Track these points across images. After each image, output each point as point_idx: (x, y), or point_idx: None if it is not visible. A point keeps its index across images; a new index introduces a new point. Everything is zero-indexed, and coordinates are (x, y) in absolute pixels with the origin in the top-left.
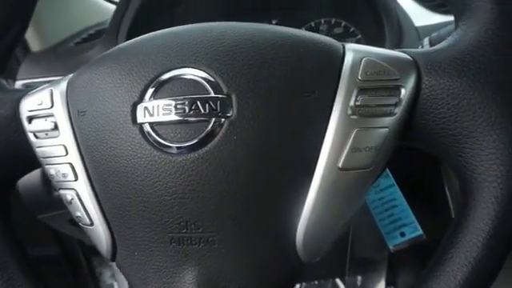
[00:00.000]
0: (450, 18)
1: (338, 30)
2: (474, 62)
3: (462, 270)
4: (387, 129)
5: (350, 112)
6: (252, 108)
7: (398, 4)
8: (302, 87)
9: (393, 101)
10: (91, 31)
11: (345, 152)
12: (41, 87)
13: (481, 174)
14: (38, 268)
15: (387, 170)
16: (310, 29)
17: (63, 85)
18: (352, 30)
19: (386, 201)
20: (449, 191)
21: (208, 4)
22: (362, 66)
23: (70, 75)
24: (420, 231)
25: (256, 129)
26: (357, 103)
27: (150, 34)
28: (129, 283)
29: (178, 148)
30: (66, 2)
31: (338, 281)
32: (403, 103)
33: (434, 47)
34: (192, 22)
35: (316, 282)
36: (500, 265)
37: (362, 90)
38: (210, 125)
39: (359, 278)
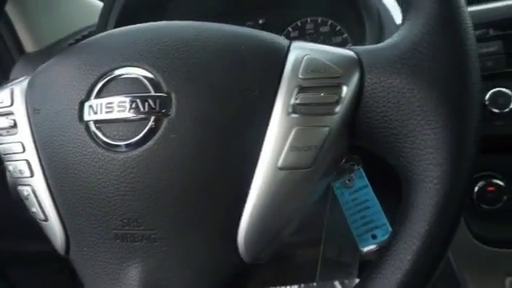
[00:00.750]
0: None
1: (324, 29)
2: (413, 60)
3: (397, 272)
4: (328, 128)
5: (290, 110)
6: (191, 107)
7: (380, 2)
8: (243, 86)
9: (333, 99)
10: (85, 32)
11: (284, 151)
12: (4, 86)
13: (419, 175)
14: (36, 264)
15: (361, 170)
16: (297, 28)
17: (24, 83)
18: (338, 28)
19: (359, 202)
20: None
21: (196, 3)
22: (303, 64)
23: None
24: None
25: (195, 128)
26: (297, 102)
27: (102, 33)
28: (80, 278)
29: (119, 146)
30: (60, 3)
31: (337, 283)
32: (345, 102)
33: (379, 44)
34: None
35: (315, 284)
36: (435, 267)
37: (302, 89)
38: (150, 123)
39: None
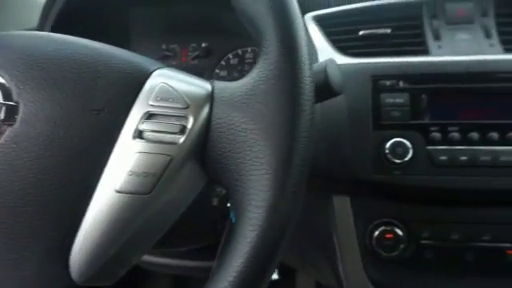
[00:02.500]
0: None
1: None
2: (252, 102)
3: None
4: (170, 157)
5: (135, 135)
6: (36, 120)
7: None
8: (92, 105)
9: (177, 129)
10: None
11: (123, 175)
12: None
13: (242, 216)
14: None
15: None
16: (237, 55)
17: None
18: None
19: None
20: (333, 225)
21: (142, 20)
22: (155, 92)
23: None
24: (275, 272)
25: (36, 141)
26: (142, 127)
27: None
28: None
29: None
30: (10, 3)
31: None
32: (191, 133)
33: (236, 81)
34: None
35: None
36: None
37: (150, 115)
38: None
39: None
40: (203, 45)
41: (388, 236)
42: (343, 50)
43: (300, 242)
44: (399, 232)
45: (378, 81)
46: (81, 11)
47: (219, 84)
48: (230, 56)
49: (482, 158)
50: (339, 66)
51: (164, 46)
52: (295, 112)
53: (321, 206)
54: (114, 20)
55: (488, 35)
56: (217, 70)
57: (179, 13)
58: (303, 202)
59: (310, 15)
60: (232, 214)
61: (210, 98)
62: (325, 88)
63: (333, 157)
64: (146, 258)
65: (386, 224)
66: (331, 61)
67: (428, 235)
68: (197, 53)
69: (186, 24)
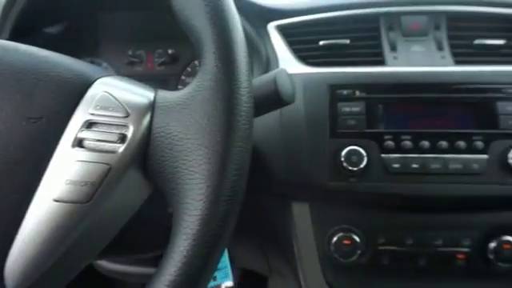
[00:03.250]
0: None
1: None
2: (191, 112)
3: None
4: (109, 166)
5: (74, 144)
6: None
7: (270, 44)
8: (30, 113)
9: (116, 138)
10: None
11: (61, 184)
12: None
13: (179, 222)
14: None
15: None
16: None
17: None
18: None
19: None
20: (292, 232)
21: (108, 26)
22: (95, 100)
23: None
24: (230, 279)
25: None
26: (81, 136)
27: None
28: None
29: None
30: None
31: None
32: (131, 142)
33: (177, 91)
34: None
35: None
36: None
37: (90, 124)
38: None
39: None
40: (169, 51)
41: (346, 242)
42: (304, 59)
43: (264, 249)
44: (356, 238)
45: (335, 90)
46: (47, 13)
47: (161, 93)
48: (196, 63)
49: (433, 166)
50: (298, 75)
51: (130, 52)
52: (229, 122)
53: (281, 213)
54: (82, 24)
55: (440, 47)
56: (183, 77)
57: (146, 19)
58: (265, 209)
59: (273, 24)
60: None
61: (152, 107)
62: (275, 97)
63: (291, 164)
64: (111, 266)
65: (343, 230)
66: (281, 70)
67: (384, 241)
68: (163, 59)
69: (152, 30)
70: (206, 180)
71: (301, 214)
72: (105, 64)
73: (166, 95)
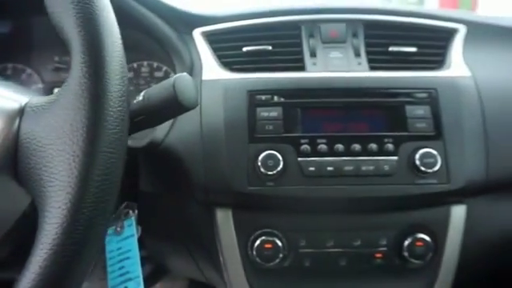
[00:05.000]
0: None
1: (158, 74)
2: (53, 116)
3: None
4: None
5: None
6: None
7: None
8: None
9: None
10: None
11: None
12: None
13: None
14: None
15: (133, 218)
16: (132, 69)
17: None
18: (172, 74)
19: (122, 251)
20: (216, 237)
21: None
22: None
23: None
24: None
25: None
26: None
27: None
28: None
29: None
30: None
31: None
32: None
33: (49, 96)
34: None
35: None
36: None
37: None
38: None
39: None
40: None
41: (267, 246)
42: (228, 65)
43: (193, 256)
44: (278, 242)
45: (254, 95)
46: None
47: (34, 98)
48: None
49: (346, 168)
50: (219, 81)
51: (57, 58)
52: (93, 128)
53: (206, 219)
54: (17, 25)
55: (357, 54)
56: None
57: None
58: (191, 216)
59: (198, 31)
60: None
61: (21, 112)
62: (174, 103)
63: (210, 169)
64: None
65: (266, 235)
66: (181, 76)
67: (305, 244)
68: None
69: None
70: (65, 187)
71: (224, 220)
72: (29, 70)
73: (36, 100)
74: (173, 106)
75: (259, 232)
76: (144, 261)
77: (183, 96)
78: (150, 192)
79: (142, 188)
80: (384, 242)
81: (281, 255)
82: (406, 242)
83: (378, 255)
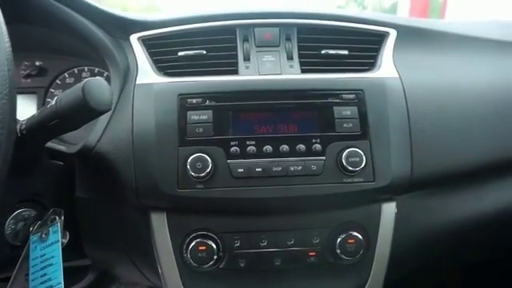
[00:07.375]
0: None
1: None
2: None
3: None
4: None
5: None
6: None
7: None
8: None
9: None
10: None
11: None
12: None
13: None
14: None
15: (58, 224)
16: (73, 75)
17: None
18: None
19: (45, 258)
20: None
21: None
22: None
23: None
24: None
25: None
26: None
27: None
28: None
29: None
30: None
31: None
32: None
33: None
34: None
35: None
36: None
37: None
38: None
39: None
40: (37, 63)
41: (201, 248)
42: (163, 69)
43: (134, 261)
44: (212, 244)
45: (185, 99)
46: None
47: None
48: (66, 75)
49: (275, 169)
50: (151, 85)
51: None
52: None
53: (142, 223)
54: None
55: (290, 57)
56: (52, 89)
57: (12, 32)
58: (128, 221)
59: (135, 36)
60: (30, 240)
61: None
62: (85, 107)
63: (141, 173)
64: None
65: (200, 237)
66: (91, 79)
67: (239, 245)
68: (28, 71)
69: (19, 42)
70: None
71: (159, 224)
72: None
73: None
74: (84, 110)
75: (194, 235)
76: (86, 269)
77: (93, 99)
78: (87, 198)
79: (77, 194)
80: (317, 241)
81: (215, 257)
82: (339, 240)
83: (312, 253)
